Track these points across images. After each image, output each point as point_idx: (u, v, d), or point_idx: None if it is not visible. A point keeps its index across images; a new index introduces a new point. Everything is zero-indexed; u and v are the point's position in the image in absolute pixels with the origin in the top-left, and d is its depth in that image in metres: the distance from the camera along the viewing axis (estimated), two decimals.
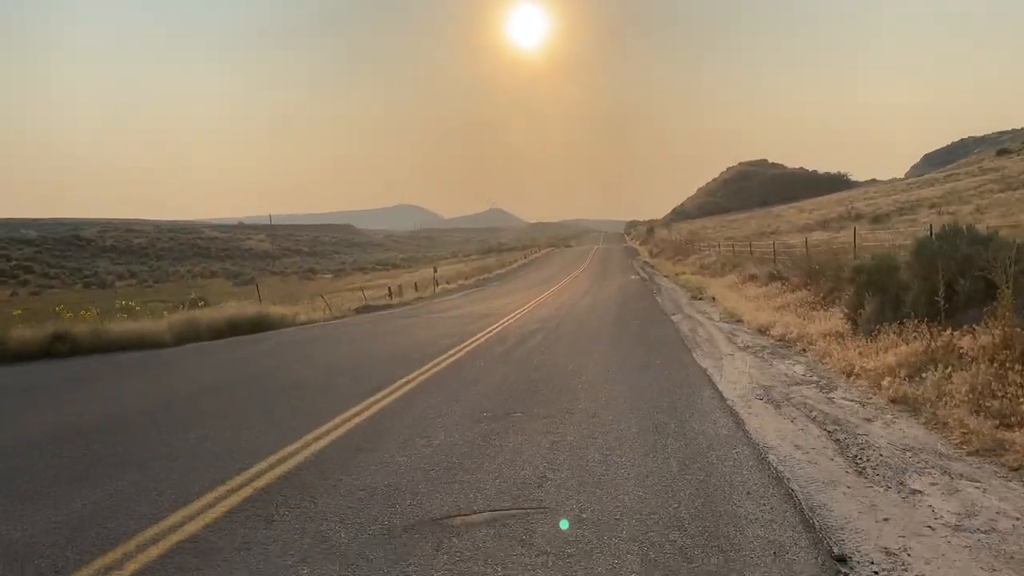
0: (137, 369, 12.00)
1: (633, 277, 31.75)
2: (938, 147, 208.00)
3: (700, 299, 19.56)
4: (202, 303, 24.88)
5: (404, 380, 8.53)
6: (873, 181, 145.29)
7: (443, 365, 9.83)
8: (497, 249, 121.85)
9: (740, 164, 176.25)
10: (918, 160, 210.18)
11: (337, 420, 6.51)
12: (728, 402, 6.85)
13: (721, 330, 12.68)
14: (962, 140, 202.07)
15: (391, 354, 11.25)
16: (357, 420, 6.54)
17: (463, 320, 16.48)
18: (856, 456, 5.14)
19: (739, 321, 13.69)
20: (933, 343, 7.41)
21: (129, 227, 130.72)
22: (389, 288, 26.66)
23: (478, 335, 13.18)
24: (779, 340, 10.87)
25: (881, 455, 5.11)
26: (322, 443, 5.74)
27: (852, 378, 7.69)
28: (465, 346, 11.68)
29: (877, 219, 34.83)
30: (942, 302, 7.82)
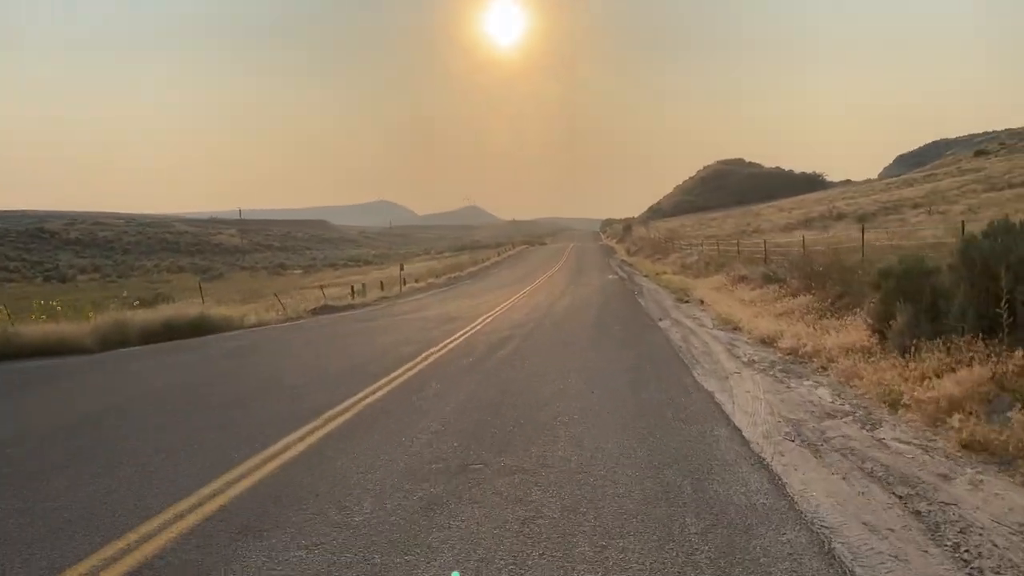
0: (22, 383, 10.10)
1: (611, 276, 30.26)
2: (911, 148, 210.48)
3: (687, 302, 18.09)
4: (157, 301, 22.90)
5: (340, 408, 6.83)
6: (848, 181, 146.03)
7: (394, 384, 8.14)
8: (471, 246, 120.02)
9: (717, 163, 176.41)
10: (891, 161, 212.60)
11: (230, 475, 4.79)
12: (752, 446, 5.27)
13: (718, 340, 11.15)
14: (935, 142, 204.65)
15: (336, 369, 9.52)
16: (260, 473, 4.83)
17: (428, 324, 14.79)
18: (958, 545, 3.58)
19: (736, 329, 12.19)
20: (1001, 367, 5.91)
21: (97, 220, 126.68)
22: (352, 287, 24.83)
23: (442, 343, 11.50)
24: (790, 354, 9.36)
25: (994, 544, 3.56)
26: (192, 518, 4.02)
27: (897, 409, 6.17)
28: (425, 358, 10.00)
29: (862, 218, 33.75)
30: (1004, 314, 6.33)
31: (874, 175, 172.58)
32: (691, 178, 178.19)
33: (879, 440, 5.43)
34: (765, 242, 20.96)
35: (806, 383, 7.70)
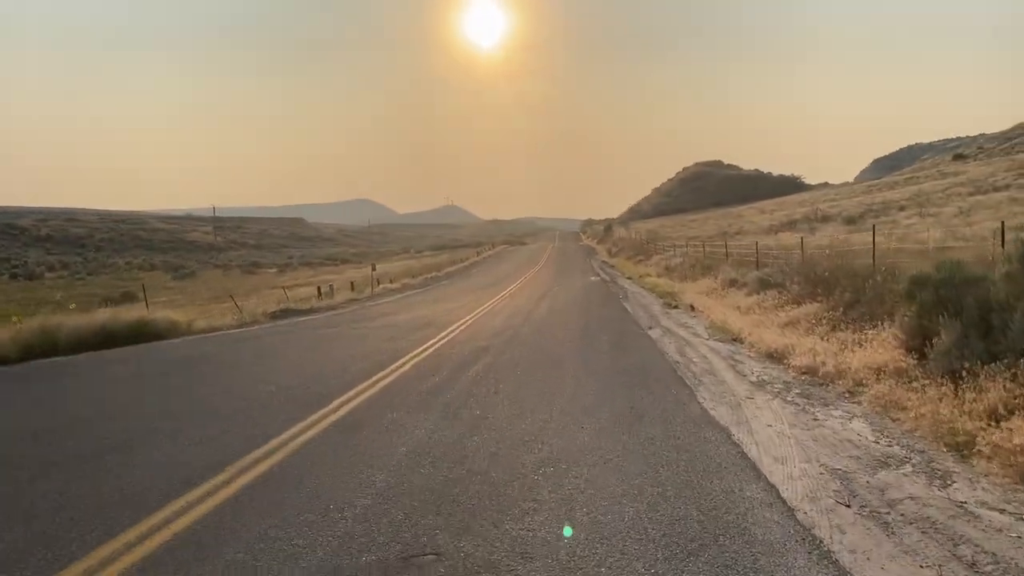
0: None
1: (593, 278, 29.00)
2: (887, 152, 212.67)
3: (675, 307, 16.85)
4: (131, 299, 21.21)
5: (256, 456, 5.36)
6: (826, 184, 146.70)
7: (339, 415, 6.72)
8: (451, 246, 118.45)
9: (696, 164, 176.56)
10: (867, 165, 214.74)
11: None
12: (799, 515, 3.95)
13: (718, 353, 9.88)
14: (910, 146, 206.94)
15: (272, 393, 8.03)
16: None
17: (394, 333, 13.36)
18: None
19: (736, 341, 10.93)
20: None
21: (71, 216, 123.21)
22: (319, 288, 23.27)
23: (405, 358, 10.09)
24: (805, 373, 8.08)
25: None
26: None
27: (968, 457, 4.89)
28: (381, 378, 8.57)
29: (850, 220, 32.89)
30: None
31: (851, 178, 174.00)
32: (670, 180, 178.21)
33: (961, 506, 4.13)
34: (757, 244, 19.79)
35: (836, 413, 6.42)
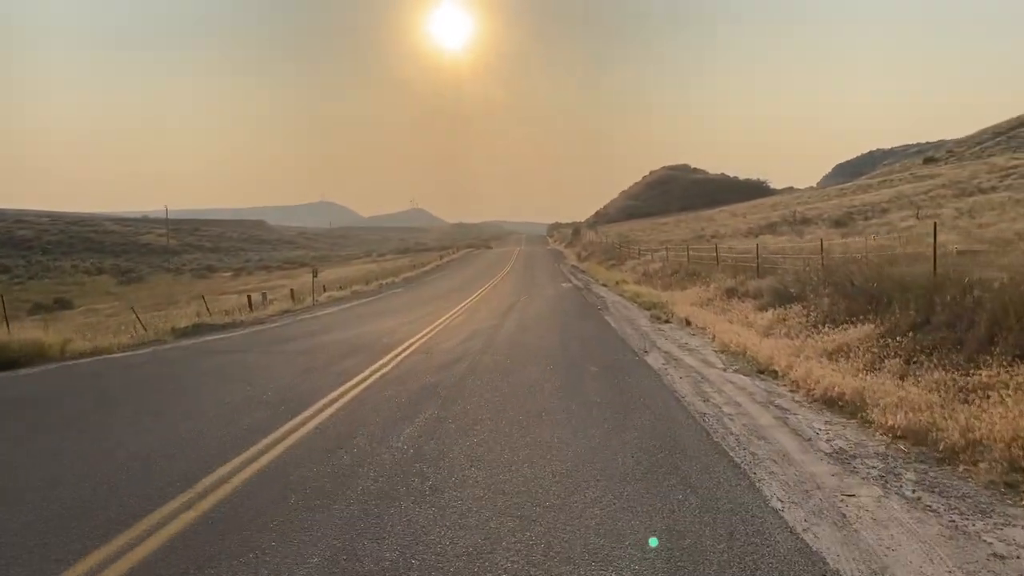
0: None
1: (566, 285, 26.23)
2: (848, 158, 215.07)
3: (667, 322, 14.17)
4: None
5: None
6: (791, 188, 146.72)
7: (162, 539, 3.75)
8: (415, 249, 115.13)
9: (662, 168, 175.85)
10: (829, 170, 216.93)
11: None
12: None
13: (751, 396, 7.14)
14: (871, 152, 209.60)
15: (83, 478, 5.00)
16: None
17: (313, 362, 10.32)
18: None
19: (766, 373, 8.21)
20: None
21: (19, 218, 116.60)
22: (249, 297, 20.05)
23: (317, 405, 7.10)
24: (904, 438, 5.36)
25: None
26: None
27: None
28: (268, 448, 5.59)
29: (839, 223, 30.71)
30: None
31: (813, 183, 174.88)
32: (636, 184, 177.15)
33: None
34: (758, 248, 17.09)
35: (1020, 536, 3.68)
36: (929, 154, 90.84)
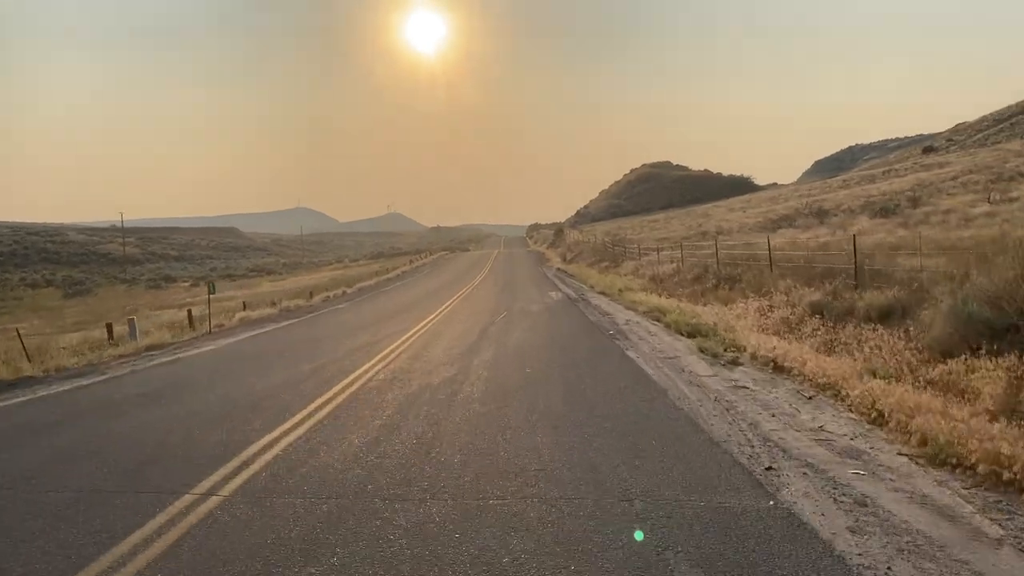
0: None
1: (555, 295, 20.60)
2: (827, 154, 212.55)
3: (736, 363, 8.63)
4: None
5: None
6: (775, 184, 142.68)
7: None
8: (389, 254, 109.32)
9: (644, 166, 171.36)
10: (809, 166, 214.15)
11: None
12: None
13: None
14: (850, 147, 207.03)
15: None
16: None
17: (144, 452, 4.62)
18: None
19: None
20: None
21: None
22: (110, 328, 14.10)
23: None
24: None
25: None
26: None
27: None
28: None
29: (883, 212, 25.42)
30: None
31: (793, 179, 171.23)
32: (617, 182, 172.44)
33: None
34: (855, 241, 11.27)
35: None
36: (910, 147, 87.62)
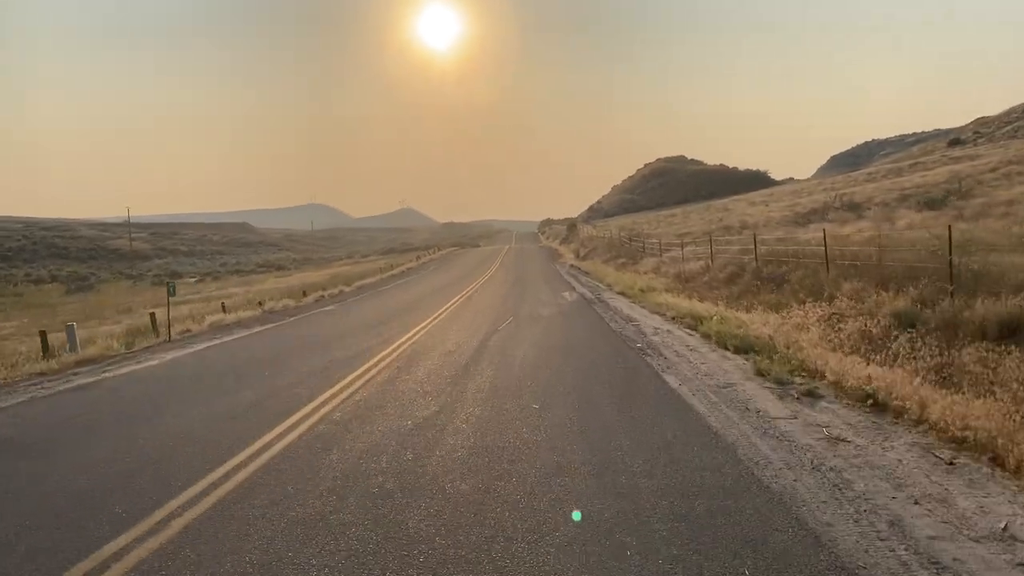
0: None
1: (568, 295, 18.37)
2: (843, 149, 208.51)
3: (817, 394, 6.44)
4: None
5: None
6: (791, 179, 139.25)
7: None
8: (400, 249, 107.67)
9: (658, 160, 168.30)
10: (825, 161, 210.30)
11: None
12: None
13: None
14: (867, 142, 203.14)
15: None
16: None
17: None
18: None
19: None
20: None
21: None
22: (45, 334, 12.02)
23: None
24: None
25: None
26: None
27: None
28: None
29: (929, 204, 22.98)
30: None
31: (808, 174, 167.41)
32: (631, 177, 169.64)
33: None
34: (950, 231, 9.00)
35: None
36: (930, 141, 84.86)
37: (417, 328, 12.75)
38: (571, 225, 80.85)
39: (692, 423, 5.72)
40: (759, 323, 10.16)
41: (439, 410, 6.40)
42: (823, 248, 13.00)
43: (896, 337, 7.88)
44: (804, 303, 10.72)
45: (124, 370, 9.79)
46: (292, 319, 16.33)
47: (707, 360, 8.57)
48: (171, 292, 13.56)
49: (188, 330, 14.17)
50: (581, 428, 5.68)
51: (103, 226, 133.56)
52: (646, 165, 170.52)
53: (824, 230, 13.73)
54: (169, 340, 12.89)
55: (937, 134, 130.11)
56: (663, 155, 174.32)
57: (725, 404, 6.35)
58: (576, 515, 3.89)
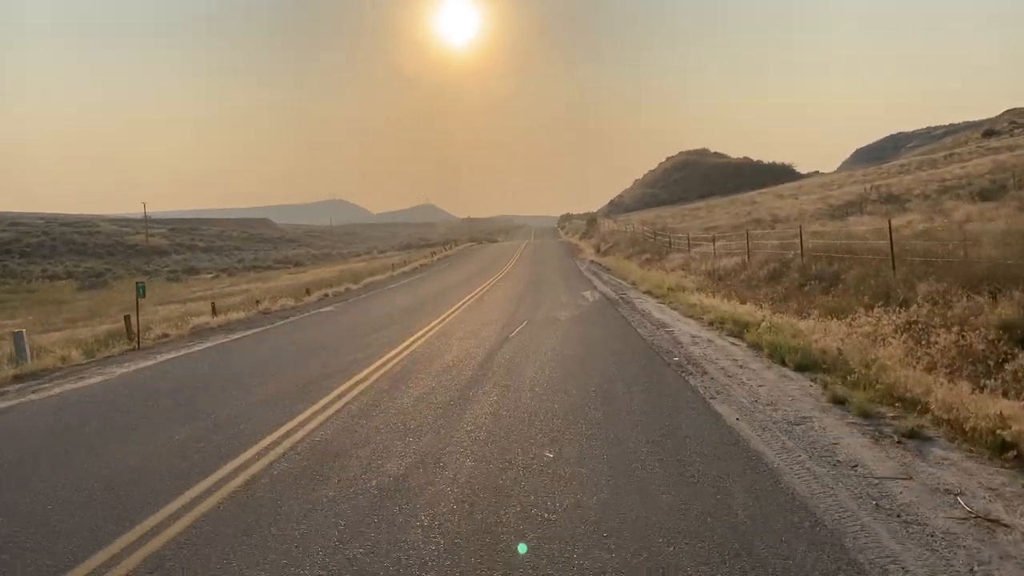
0: None
1: (589, 295, 16.74)
2: (867, 143, 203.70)
3: (1014, 458, 4.69)
4: None
5: None
6: (817, 172, 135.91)
7: None
8: (418, 245, 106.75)
9: (680, 153, 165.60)
10: (849, 155, 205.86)
11: None
12: None
13: None
14: (893, 135, 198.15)
15: None
16: None
17: None
18: None
19: None
20: None
21: (15, 220, 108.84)
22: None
23: None
24: None
25: None
26: None
27: None
28: None
29: (983, 195, 20.99)
30: None
31: (832, 168, 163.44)
32: (652, 171, 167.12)
33: None
34: None
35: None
36: (960, 133, 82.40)
37: (417, 335, 11.18)
38: (591, 220, 78.97)
39: (769, 488, 4.08)
40: (819, 332, 8.44)
41: (418, 461, 4.80)
42: (882, 243, 11.21)
43: (1012, 356, 6.15)
44: (871, 308, 8.98)
45: (56, 390, 8.29)
46: (284, 322, 14.80)
47: (764, 381, 6.90)
48: (140, 294, 12.13)
49: (166, 335, 12.72)
50: (613, 493, 4.06)
51: (123, 222, 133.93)
52: (668, 159, 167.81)
53: (889, 222, 11.89)
54: (139, 347, 11.44)
55: (966, 126, 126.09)
56: (685, 148, 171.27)
57: (805, 452, 4.69)
58: None
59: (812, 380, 6.80)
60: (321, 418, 6.06)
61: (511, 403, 6.37)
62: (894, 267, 10.44)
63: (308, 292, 22.85)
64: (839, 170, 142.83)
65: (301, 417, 6.10)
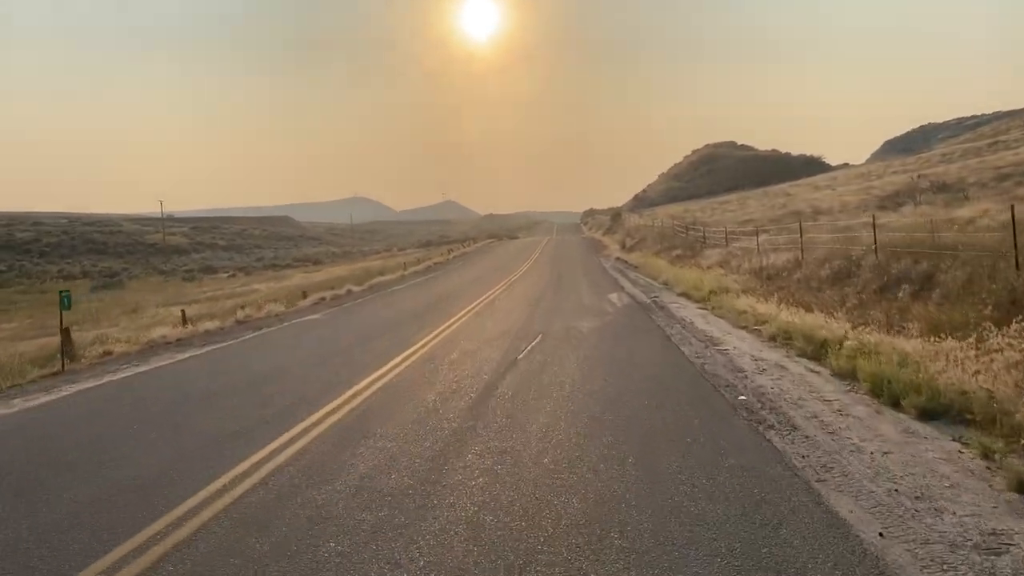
0: None
1: (616, 299, 14.45)
2: (897, 134, 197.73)
3: None
4: None
5: None
6: (847, 165, 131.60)
7: None
8: (438, 242, 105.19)
9: (707, 146, 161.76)
10: (878, 147, 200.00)
11: None
12: None
13: None
14: (922, 127, 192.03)
15: None
16: None
17: None
18: None
19: None
20: None
21: (37, 220, 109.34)
22: None
23: None
24: None
25: None
26: None
27: None
28: None
29: None
30: None
31: (861, 159, 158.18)
32: (678, 164, 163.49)
33: None
34: None
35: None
36: (994, 123, 79.05)
37: (402, 356, 8.94)
38: (615, 215, 76.39)
39: None
40: (939, 358, 6.09)
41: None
42: (991, 235, 8.79)
43: None
44: (1007, 322, 6.59)
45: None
46: (254, 335, 12.59)
47: (887, 441, 4.60)
48: (65, 306, 10.07)
49: (109, 353, 10.64)
50: None
51: (145, 221, 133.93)
52: (693, 151, 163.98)
53: (1012, 208, 9.40)
54: (62, 371, 9.37)
55: (998, 116, 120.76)
56: (711, 141, 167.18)
57: None
58: None
59: (954, 438, 4.51)
60: (224, 502, 3.79)
61: (505, 494, 4.03)
62: (1017, 265, 8.02)
63: (305, 295, 20.82)
64: (869, 161, 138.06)
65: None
